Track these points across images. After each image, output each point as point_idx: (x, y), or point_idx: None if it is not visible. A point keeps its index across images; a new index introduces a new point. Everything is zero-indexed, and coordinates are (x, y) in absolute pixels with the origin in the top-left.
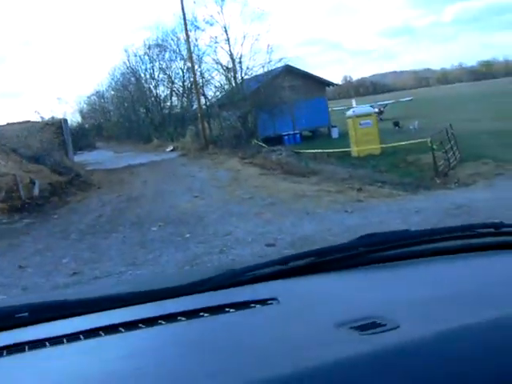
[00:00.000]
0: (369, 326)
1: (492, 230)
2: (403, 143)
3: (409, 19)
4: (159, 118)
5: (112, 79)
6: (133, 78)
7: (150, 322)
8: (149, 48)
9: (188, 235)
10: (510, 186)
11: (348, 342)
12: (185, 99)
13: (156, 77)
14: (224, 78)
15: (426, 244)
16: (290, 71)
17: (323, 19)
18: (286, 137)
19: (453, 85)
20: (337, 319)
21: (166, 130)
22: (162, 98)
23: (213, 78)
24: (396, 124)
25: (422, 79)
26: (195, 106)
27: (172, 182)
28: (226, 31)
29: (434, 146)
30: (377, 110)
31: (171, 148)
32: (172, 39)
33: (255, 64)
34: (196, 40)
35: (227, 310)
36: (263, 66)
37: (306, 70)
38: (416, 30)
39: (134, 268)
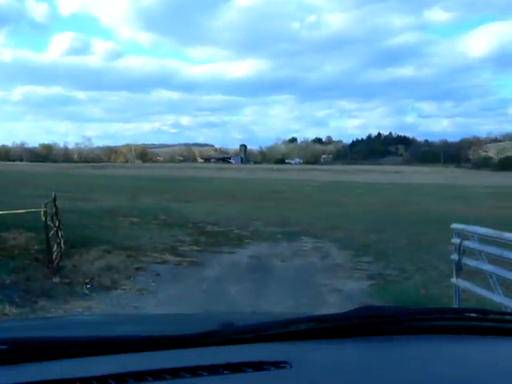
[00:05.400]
0: None
1: (480, 315)
2: None
3: None
4: None
5: None
6: None
7: (156, 374)
8: None
9: None
10: (171, 292)
11: None
12: None
13: None
14: None
15: (418, 322)
16: None
17: None
18: None
19: (14, 162)
20: None
21: None
22: None
23: None
24: None
25: None
26: None
27: None
28: None
29: (50, 223)
30: None
31: None
32: None
33: None
34: None
35: (243, 368)
36: None
37: None
38: None
39: None
